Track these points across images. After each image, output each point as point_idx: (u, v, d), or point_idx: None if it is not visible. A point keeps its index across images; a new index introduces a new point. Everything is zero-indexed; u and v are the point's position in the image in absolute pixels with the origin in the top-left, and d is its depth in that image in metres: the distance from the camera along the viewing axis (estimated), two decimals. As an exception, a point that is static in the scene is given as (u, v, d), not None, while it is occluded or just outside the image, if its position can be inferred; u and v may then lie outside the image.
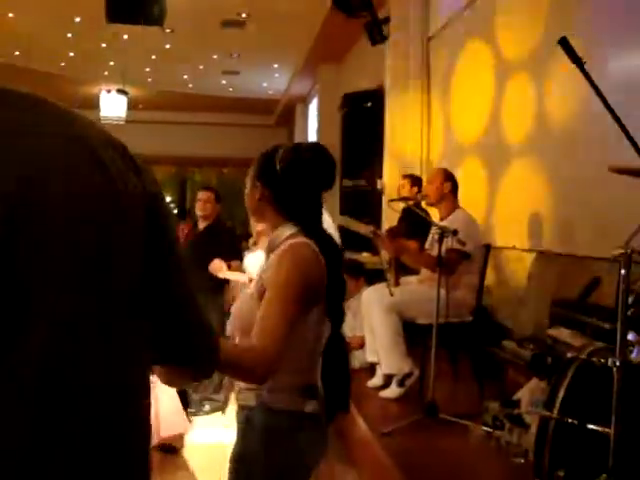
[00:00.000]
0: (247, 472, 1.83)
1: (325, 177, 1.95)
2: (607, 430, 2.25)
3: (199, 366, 1.16)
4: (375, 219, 7.28)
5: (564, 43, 2.16)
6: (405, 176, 6.27)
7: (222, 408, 4.97)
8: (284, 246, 1.81)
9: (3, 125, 0.85)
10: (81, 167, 0.89)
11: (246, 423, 1.84)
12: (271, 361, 1.63)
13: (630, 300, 2.28)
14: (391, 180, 7.07)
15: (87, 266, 0.86)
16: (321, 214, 1.95)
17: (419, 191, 6.01)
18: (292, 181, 1.87)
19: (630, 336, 2.31)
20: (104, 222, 0.89)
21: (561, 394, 2.49)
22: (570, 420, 2.44)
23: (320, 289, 1.80)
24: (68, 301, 0.84)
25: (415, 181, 6.16)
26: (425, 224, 5.26)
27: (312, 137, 13.96)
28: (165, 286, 1.00)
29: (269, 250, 1.88)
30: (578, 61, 2.16)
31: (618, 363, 2.16)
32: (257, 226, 4.55)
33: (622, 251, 2.11)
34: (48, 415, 0.82)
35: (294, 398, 1.81)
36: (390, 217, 6.73)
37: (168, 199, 20.97)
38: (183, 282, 1.05)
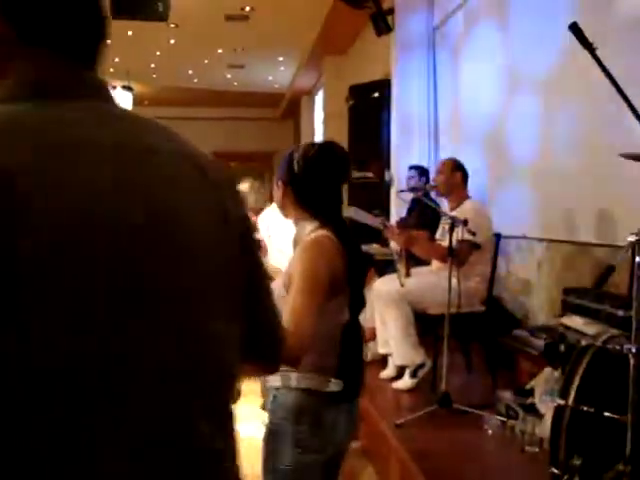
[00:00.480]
0: (278, 449, 1.96)
1: (337, 171, 2.14)
2: (624, 418, 2.24)
3: (273, 362, 1.31)
4: (384, 210, 7.26)
5: (574, 28, 2.14)
6: (412, 167, 6.26)
7: (235, 400, 4.98)
8: (307, 240, 2.00)
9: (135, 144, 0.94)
10: (195, 184, 0.98)
11: (273, 403, 2.00)
12: (303, 345, 1.78)
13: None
14: (399, 171, 7.05)
15: (205, 276, 0.96)
16: (340, 205, 2.13)
17: (427, 182, 6.01)
18: (307, 178, 2.07)
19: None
20: (218, 238, 0.99)
21: (576, 382, 2.48)
22: (586, 408, 2.43)
23: (342, 277, 1.96)
24: (189, 308, 0.94)
25: (422, 172, 6.16)
26: (435, 215, 5.26)
27: (318, 130, 13.93)
28: (255, 291, 1.11)
29: (294, 244, 2.09)
30: (589, 46, 2.14)
31: (634, 350, 2.15)
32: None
33: (636, 238, 2.10)
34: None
35: (316, 378, 1.96)
36: (399, 208, 6.73)
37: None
38: (267, 286, 1.16)
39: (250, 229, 1.10)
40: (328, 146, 2.18)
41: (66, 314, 0.81)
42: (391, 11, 7.43)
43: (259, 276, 1.12)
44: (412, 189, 5.45)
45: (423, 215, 5.54)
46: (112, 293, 0.85)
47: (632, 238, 2.11)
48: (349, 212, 4.52)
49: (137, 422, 0.88)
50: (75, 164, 0.85)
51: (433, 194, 5.39)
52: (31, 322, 0.80)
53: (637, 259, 2.11)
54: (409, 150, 7.37)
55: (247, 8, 9.56)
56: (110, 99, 0.98)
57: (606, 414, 2.37)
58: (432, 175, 6.31)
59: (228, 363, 1.02)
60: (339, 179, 2.13)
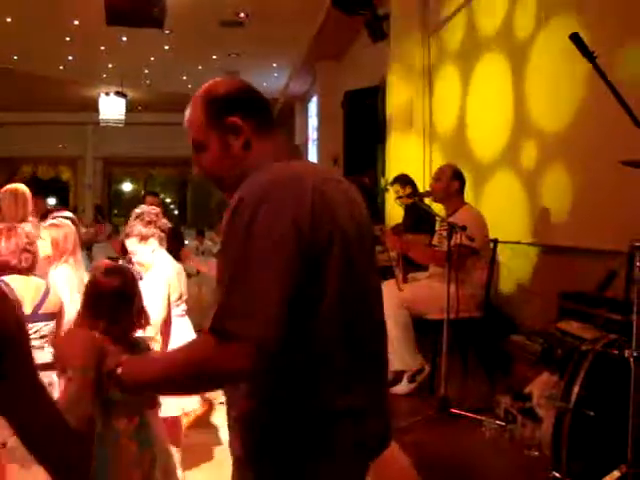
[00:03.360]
0: None
1: None
2: (625, 421, 2.27)
3: None
4: (379, 216, 7.30)
5: (575, 39, 2.17)
6: (394, 181, 6.19)
7: None
8: None
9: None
10: (362, 206, 1.65)
11: None
12: None
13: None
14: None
15: (371, 253, 1.66)
16: None
17: (414, 188, 6.01)
18: None
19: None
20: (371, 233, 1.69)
21: (577, 386, 2.50)
22: (587, 412, 2.45)
23: None
24: (370, 267, 1.61)
25: (406, 181, 6.13)
26: (430, 220, 5.28)
27: (312, 135, 13.96)
28: None
29: None
30: (589, 56, 2.17)
31: (636, 354, 2.18)
32: None
33: (637, 244, 2.12)
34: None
35: None
36: (394, 214, 6.75)
37: (168, 201, 20.91)
38: None
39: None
40: None
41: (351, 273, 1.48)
42: (386, 17, 7.47)
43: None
44: (409, 195, 5.47)
45: (419, 221, 5.56)
46: (365, 262, 1.56)
47: (636, 243, 2.13)
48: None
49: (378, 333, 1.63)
50: (335, 188, 1.55)
51: (428, 200, 5.40)
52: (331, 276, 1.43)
53: (638, 264, 2.14)
54: (404, 156, 7.40)
55: (242, 14, 9.59)
56: None
57: (607, 418, 2.39)
58: (426, 180, 6.37)
59: None
60: None
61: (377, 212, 7.42)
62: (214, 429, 4.65)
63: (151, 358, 1.75)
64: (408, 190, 5.99)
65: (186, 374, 1.38)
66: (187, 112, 1.62)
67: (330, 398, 1.45)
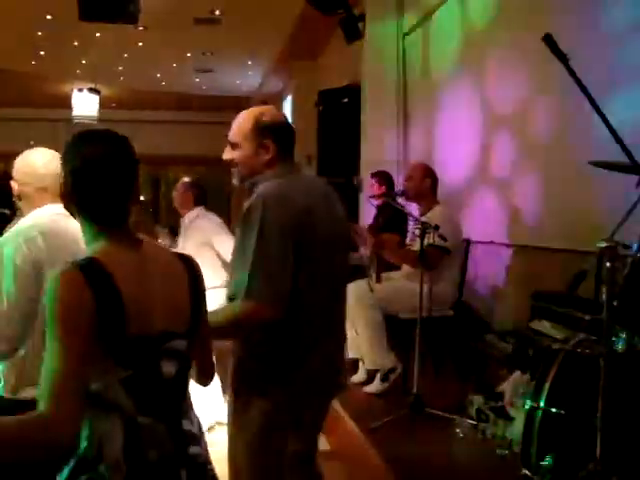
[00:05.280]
0: None
1: None
2: (594, 419, 2.29)
3: None
4: (352, 215, 7.30)
5: (548, 40, 2.18)
6: (373, 175, 6.23)
7: None
8: None
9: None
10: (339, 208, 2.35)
11: None
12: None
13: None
14: (367, 176, 7.07)
15: (345, 249, 2.45)
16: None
17: (388, 188, 6.01)
18: None
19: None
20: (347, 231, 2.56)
21: (547, 385, 2.53)
22: (557, 410, 2.47)
23: None
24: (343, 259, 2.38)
25: (383, 179, 6.13)
26: (402, 219, 5.30)
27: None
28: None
29: None
30: (562, 57, 2.19)
31: (605, 353, 2.20)
32: None
33: (608, 244, 2.14)
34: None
35: None
36: (367, 213, 6.76)
37: (142, 199, 20.76)
38: None
39: None
40: None
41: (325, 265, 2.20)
42: (362, 17, 7.47)
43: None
44: (382, 195, 5.47)
45: (391, 220, 5.57)
46: (335, 258, 2.22)
47: (602, 244, 2.15)
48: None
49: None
50: (319, 201, 2.22)
51: (401, 199, 5.42)
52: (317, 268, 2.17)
53: (608, 264, 2.16)
54: (378, 155, 7.41)
55: (217, 12, 9.53)
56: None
57: (577, 416, 2.42)
58: (400, 179, 6.38)
59: None
60: None
61: (352, 211, 7.43)
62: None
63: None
64: (383, 189, 5.99)
65: (239, 324, 2.12)
66: (238, 119, 2.29)
67: (300, 347, 2.17)
